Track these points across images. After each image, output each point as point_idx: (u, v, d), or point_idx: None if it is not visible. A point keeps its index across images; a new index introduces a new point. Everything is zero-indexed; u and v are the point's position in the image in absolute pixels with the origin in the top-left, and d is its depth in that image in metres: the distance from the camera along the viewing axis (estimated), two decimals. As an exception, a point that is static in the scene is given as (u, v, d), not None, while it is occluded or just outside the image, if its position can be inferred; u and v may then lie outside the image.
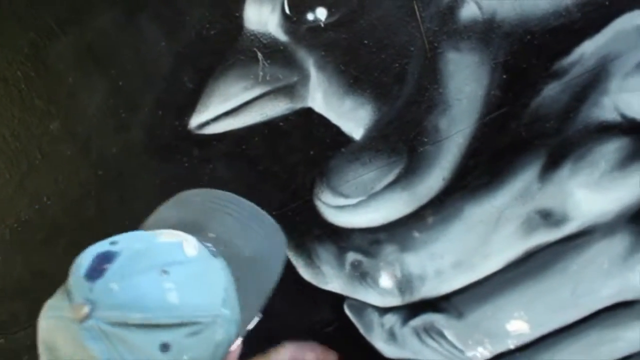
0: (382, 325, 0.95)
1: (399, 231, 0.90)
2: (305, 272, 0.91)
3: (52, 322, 0.44)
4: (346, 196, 0.88)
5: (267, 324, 0.89)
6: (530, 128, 0.84)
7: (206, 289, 0.47)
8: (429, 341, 0.95)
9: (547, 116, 0.84)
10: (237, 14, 0.78)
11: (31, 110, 0.80)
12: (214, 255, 0.49)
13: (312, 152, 0.84)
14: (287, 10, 0.78)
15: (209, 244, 0.50)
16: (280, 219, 0.87)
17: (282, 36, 0.80)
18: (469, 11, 0.79)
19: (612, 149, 0.84)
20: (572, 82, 0.82)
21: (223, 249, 0.51)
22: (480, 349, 0.96)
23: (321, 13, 0.79)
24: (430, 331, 0.95)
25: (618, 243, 0.89)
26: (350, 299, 0.93)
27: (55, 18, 0.76)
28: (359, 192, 0.88)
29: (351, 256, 0.91)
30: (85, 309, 0.42)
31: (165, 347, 0.43)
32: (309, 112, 0.83)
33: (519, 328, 0.95)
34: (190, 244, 0.48)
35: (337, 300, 0.93)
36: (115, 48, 0.78)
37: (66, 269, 0.88)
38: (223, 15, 0.78)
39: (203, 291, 0.46)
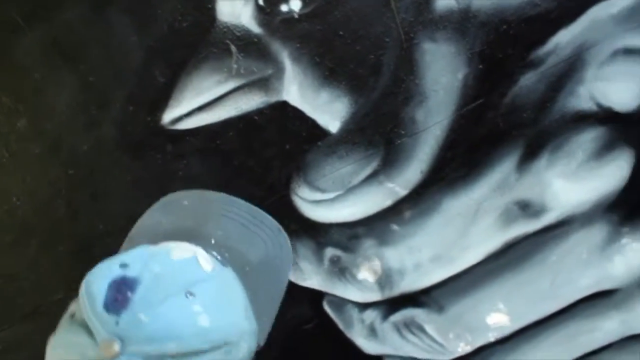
0: (362, 321, 0.95)
1: (377, 225, 0.90)
2: (283, 269, 0.90)
3: None
4: (323, 190, 0.87)
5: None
6: (508, 118, 0.84)
7: (229, 305, 0.45)
8: (410, 336, 0.95)
9: (524, 106, 0.84)
10: (209, 6, 0.76)
11: (-4, 107, 0.78)
12: (223, 264, 0.47)
13: (287, 146, 0.83)
14: (260, 2, 0.77)
15: (214, 252, 0.48)
16: (257, 214, 0.87)
17: (255, 28, 0.79)
18: (444, 1, 0.79)
19: (588, 138, 0.85)
20: (548, 71, 0.82)
21: (228, 257, 0.49)
22: (461, 343, 0.96)
23: (295, 4, 0.78)
24: (411, 326, 0.95)
25: (596, 233, 0.90)
26: (330, 295, 0.93)
27: (21, 12, 0.74)
28: (336, 186, 0.87)
29: (330, 251, 0.91)
30: (116, 346, 0.39)
31: None
32: (284, 105, 0.82)
33: (499, 320, 0.95)
34: (203, 257, 0.46)
35: (316, 296, 0.93)
36: (84, 43, 0.76)
37: (37, 271, 0.86)
38: (195, 7, 0.76)
39: (227, 308, 0.45)
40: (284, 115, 0.81)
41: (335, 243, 0.91)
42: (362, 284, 0.93)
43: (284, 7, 0.76)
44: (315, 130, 0.83)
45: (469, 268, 0.93)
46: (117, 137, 0.80)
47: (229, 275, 0.46)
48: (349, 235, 0.90)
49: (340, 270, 0.92)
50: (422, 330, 0.95)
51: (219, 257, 0.47)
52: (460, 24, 0.79)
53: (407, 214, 0.89)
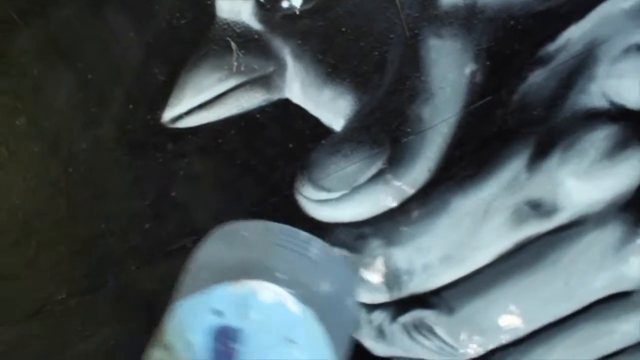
0: (370, 322, 1.00)
1: (384, 225, 0.95)
2: (287, 270, 0.94)
3: None
4: (328, 190, 0.92)
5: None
6: (517, 116, 0.88)
7: (320, 347, 0.48)
8: (419, 338, 1.00)
9: (534, 104, 0.88)
10: (208, 2, 0.81)
11: (-4, 107, 0.83)
12: (300, 302, 0.51)
13: (291, 145, 0.88)
14: (260, -2, 0.81)
15: (290, 290, 0.51)
16: (259, 214, 0.92)
17: (256, 25, 0.83)
18: (450, -4, 0.83)
19: (601, 136, 0.89)
20: (558, 68, 0.86)
21: (298, 292, 0.52)
22: (472, 345, 1.01)
23: (296, 0, 0.82)
24: (420, 327, 0.99)
25: (610, 233, 0.94)
26: (335, 296, 0.97)
27: (17, 9, 0.80)
28: (342, 186, 0.92)
29: (335, 252, 0.95)
30: None
31: None
32: (286, 103, 0.86)
33: (511, 322, 1.00)
34: (287, 298, 0.49)
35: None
36: (82, 40, 0.82)
37: (38, 271, 0.92)
38: (194, 3, 0.81)
39: (322, 351, 0.48)
40: (287, 113, 0.85)
41: (341, 243, 0.96)
42: (370, 284, 0.97)
43: (284, 3, 0.81)
44: (319, 129, 0.87)
45: (479, 269, 0.98)
46: (116, 135, 0.86)
47: (310, 315, 0.49)
48: (355, 235, 0.95)
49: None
50: (432, 331, 0.99)
51: (294, 294, 0.50)
52: (467, 19, 0.83)
53: (415, 213, 0.94)
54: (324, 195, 0.97)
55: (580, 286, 0.98)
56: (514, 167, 0.96)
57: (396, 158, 0.93)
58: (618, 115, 0.88)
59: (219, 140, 0.89)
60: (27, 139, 0.86)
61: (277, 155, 0.91)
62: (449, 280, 1.00)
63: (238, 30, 0.84)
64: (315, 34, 0.85)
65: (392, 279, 0.99)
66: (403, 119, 0.90)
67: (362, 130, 0.91)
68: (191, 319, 0.45)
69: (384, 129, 0.91)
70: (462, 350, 1.02)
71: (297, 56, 0.87)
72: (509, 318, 1.01)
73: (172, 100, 0.88)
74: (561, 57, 0.88)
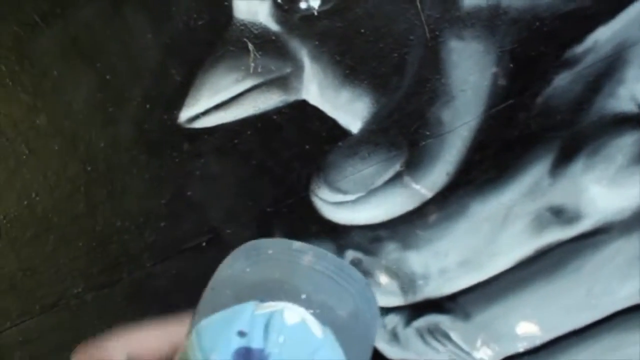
0: (385, 325, 1.05)
1: (400, 228, 0.99)
2: (302, 271, 1.00)
3: None
4: (344, 192, 0.97)
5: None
6: (540, 120, 0.91)
7: None
8: (434, 343, 1.04)
9: (558, 108, 0.91)
10: (226, 3, 0.86)
11: (17, 105, 0.91)
12: (323, 323, 0.51)
13: (307, 147, 0.93)
14: (278, -1, 0.86)
15: (311, 311, 0.52)
16: (275, 215, 0.98)
17: (273, 26, 0.88)
18: (472, -3, 0.86)
19: (629, 142, 0.91)
20: (585, 71, 0.89)
21: (319, 313, 0.52)
22: (488, 352, 1.05)
23: (314, 1, 0.87)
24: (435, 332, 1.04)
25: (636, 242, 0.96)
26: (350, 298, 1.02)
27: (38, 11, 0.86)
28: (358, 188, 0.96)
29: (351, 254, 1.01)
30: None
31: None
32: (303, 104, 0.91)
33: (529, 330, 1.03)
34: (311, 322, 0.50)
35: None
36: (101, 41, 0.88)
37: (56, 265, 0.99)
38: (211, 4, 0.86)
39: None
40: (304, 114, 0.90)
41: (356, 245, 1.00)
42: (384, 287, 1.02)
43: (302, 4, 0.85)
44: (335, 131, 0.92)
45: (497, 275, 1.01)
46: (134, 135, 0.92)
47: (332, 337, 0.50)
48: (371, 238, 0.99)
49: (362, 273, 1.01)
50: (447, 337, 1.04)
51: (316, 316, 0.51)
52: (490, 21, 0.86)
53: (433, 217, 0.98)
54: (340, 197, 1.02)
55: (603, 295, 1.02)
56: (536, 172, 0.99)
57: (414, 161, 0.98)
58: (647, 121, 0.90)
59: (235, 141, 0.95)
60: (47, 137, 0.93)
61: (293, 157, 0.96)
62: (466, 285, 1.04)
63: (255, 32, 0.89)
64: (334, 35, 0.89)
65: (407, 282, 1.04)
66: (422, 122, 0.94)
67: (380, 133, 0.95)
68: (215, 339, 0.47)
69: (402, 132, 0.95)
70: (477, 357, 1.06)
71: (314, 57, 0.92)
72: (527, 326, 1.05)
73: (189, 100, 0.94)
74: (588, 60, 0.90)
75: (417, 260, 1.02)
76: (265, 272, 0.57)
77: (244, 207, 0.97)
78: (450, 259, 1.01)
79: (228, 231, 0.97)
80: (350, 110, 0.93)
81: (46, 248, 1.00)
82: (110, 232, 1.00)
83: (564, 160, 0.95)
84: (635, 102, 0.90)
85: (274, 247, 0.60)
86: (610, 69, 0.90)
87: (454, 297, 1.03)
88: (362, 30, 0.88)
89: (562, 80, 0.90)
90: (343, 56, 0.90)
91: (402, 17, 0.88)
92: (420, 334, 1.05)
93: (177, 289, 0.98)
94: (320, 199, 0.99)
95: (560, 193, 0.96)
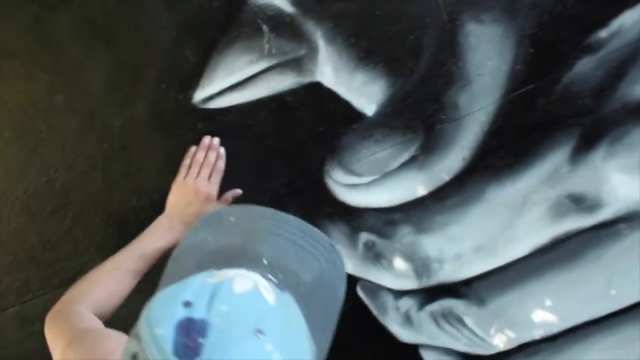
0: (397, 308, 1.12)
1: (415, 212, 1.06)
2: (315, 252, 1.08)
3: None
4: (359, 174, 1.04)
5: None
6: (561, 106, 0.96)
7: (296, 336, 0.52)
8: (447, 327, 1.11)
9: (580, 93, 0.96)
10: (240, -15, 0.92)
11: (36, 84, 1.00)
12: (281, 288, 0.53)
13: (321, 129, 1.00)
14: (293, -20, 0.92)
15: (270, 276, 0.54)
16: (288, 196, 1.06)
17: (288, 7, 0.94)
18: (492, -21, 0.90)
19: (653, 130, 0.95)
20: (609, 56, 0.93)
21: (282, 278, 0.55)
22: (503, 338, 1.12)
23: (329, -18, 0.92)
24: (449, 317, 1.11)
25: (658, 232, 1.01)
26: (364, 280, 1.10)
27: (57, -9, 0.94)
28: (372, 171, 1.03)
29: (364, 236, 1.08)
30: None
31: None
32: (317, 86, 0.98)
33: (546, 318, 1.10)
34: (263, 287, 0.52)
35: (350, 280, 1.10)
36: (117, 21, 0.96)
37: (74, 239, 1.09)
38: (226, -14, 0.92)
39: (295, 340, 0.51)
40: (318, 96, 0.97)
41: (370, 228, 1.07)
42: (398, 271, 1.09)
43: (318, -14, 0.91)
44: (350, 113, 0.99)
45: (514, 261, 1.08)
46: (149, 114, 1.01)
47: (289, 303, 0.53)
48: (385, 220, 1.06)
49: (375, 256, 1.09)
50: (461, 322, 1.11)
51: (275, 281, 0.55)
52: (510, 4, 0.91)
53: (448, 202, 1.04)
54: (354, 179, 1.08)
55: (623, 285, 1.07)
56: (556, 158, 1.04)
57: (430, 145, 1.04)
58: (673, 108, 0.94)
59: (249, 122, 1.02)
60: (65, 115, 1.02)
61: (307, 138, 1.03)
62: (481, 271, 1.11)
63: (270, 13, 0.95)
64: (349, 17, 0.95)
65: (422, 266, 1.11)
66: (438, 106, 0.99)
67: (395, 116, 1.01)
68: (161, 311, 0.49)
69: (418, 115, 1.01)
70: (492, 343, 1.13)
71: (329, 39, 0.97)
72: (544, 313, 1.11)
73: (203, 81, 1.01)
74: (613, 45, 0.94)
75: (431, 244, 1.08)
76: (227, 239, 0.60)
77: (257, 188, 1.05)
78: (466, 243, 1.08)
79: (241, 211, 1.05)
80: (365, 93, 0.99)
81: (64, 223, 1.10)
82: (126, 208, 1.09)
83: (584, 147, 0.99)
84: (661, 89, 0.94)
85: (236, 215, 0.64)
86: (635, 54, 0.93)
87: (468, 282, 1.10)
88: (378, 13, 0.94)
89: (584, 66, 0.95)
90: (358, 38, 0.95)
91: (419, -1, 0.93)
92: (434, 318, 1.13)
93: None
94: (334, 180, 1.06)
95: (580, 181, 1.01)
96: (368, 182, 1.06)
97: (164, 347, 0.46)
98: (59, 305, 0.87)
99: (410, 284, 1.12)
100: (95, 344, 0.65)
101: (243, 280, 0.52)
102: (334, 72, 0.99)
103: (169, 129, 1.03)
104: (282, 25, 0.96)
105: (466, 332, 1.13)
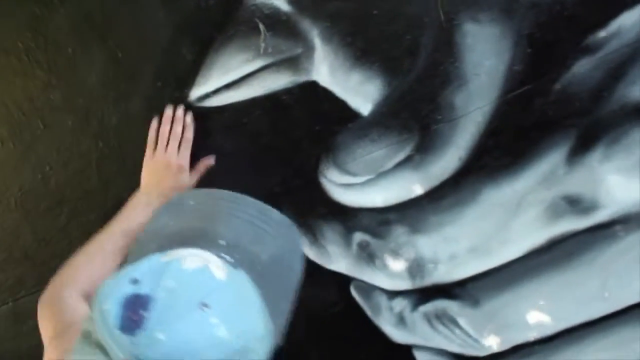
0: (391, 308, 1.11)
1: (410, 212, 1.04)
2: (310, 251, 1.07)
3: None
4: (353, 174, 1.02)
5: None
6: (558, 107, 0.95)
7: (246, 311, 0.52)
8: (441, 328, 1.10)
9: (577, 94, 0.94)
10: (237, -17, 0.90)
11: (33, 81, 0.98)
12: (235, 267, 0.54)
13: (317, 127, 0.98)
14: (289, -21, 0.90)
15: (225, 256, 0.55)
16: (282, 195, 1.04)
17: (285, 6, 0.92)
18: (489, -21, 0.88)
19: (651, 132, 0.93)
20: (608, 57, 0.91)
21: (239, 257, 0.56)
22: (497, 339, 1.10)
23: (326, -19, 0.90)
24: (443, 318, 1.09)
25: (656, 235, 0.99)
26: (357, 280, 1.08)
27: (54, -12, 0.92)
28: (367, 170, 1.02)
29: (358, 236, 1.06)
30: None
31: None
32: (313, 85, 0.96)
33: (540, 320, 1.08)
34: (214, 264, 0.53)
35: (343, 280, 1.09)
36: (114, 19, 0.94)
37: (69, 237, 1.07)
38: (222, -17, 0.90)
39: (244, 315, 0.52)
40: (314, 95, 0.96)
41: (364, 228, 1.06)
42: (392, 271, 1.07)
43: (315, -16, 0.89)
44: (346, 112, 0.97)
45: (509, 262, 1.06)
46: (145, 111, 0.99)
47: (242, 279, 0.54)
48: (379, 220, 1.05)
49: (369, 256, 1.07)
50: (455, 323, 1.09)
51: (230, 260, 0.55)
52: (508, 4, 0.89)
53: (444, 202, 1.02)
54: (349, 179, 1.06)
55: (618, 287, 1.05)
56: (552, 159, 1.02)
57: (425, 145, 1.02)
58: (671, 110, 0.92)
59: (245, 120, 1.00)
60: (61, 112, 1.00)
61: (302, 137, 1.01)
62: (476, 272, 1.09)
63: (266, 12, 0.93)
64: (345, 16, 0.93)
65: (416, 266, 1.09)
66: (434, 106, 0.97)
67: (391, 116, 0.99)
68: (110, 288, 0.50)
69: (414, 115, 0.99)
70: (485, 344, 1.11)
71: (325, 38, 0.96)
72: (538, 315, 1.09)
73: (199, 79, 0.99)
74: (611, 46, 0.92)
75: (426, 244, 1.06)
76: (187, 222, 0.61)
77: (252, 186, 1.01)
78: (461, 244, 1.06)
79: (236, 210, 1.03)
80: (361, 92, 0.98)
81: (59, 221, 1.09)
82: (120, 206, 1.07)
83: (581, 148, 0.97)
84: (659, 90, 0.92)
85: (196, 198, 0.65)
86: (634, 55, 0.92)
87: (463, 283, 1.08)
88: (375, 12, 0.92)
89: (582, 67, 0.93)
90: (354, 37, 0.94)
91: (416, -2, 0.91)
92: (428, 318, 1.11)
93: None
94: (329, 180, 1.04)
95: (576, 182, 0.99)
96: (363, 181, 1.04)
97: (109, 321, 0.48)
98: (50, 290, 0.88)
99: (404, 284, 1.10)
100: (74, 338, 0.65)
101: (193, 259, 0.53)
102: (330, 71, 0.97)
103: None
104: (278, 24, 0.94)
105: (460, 333, 1.11)
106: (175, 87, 0.99)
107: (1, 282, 1.12)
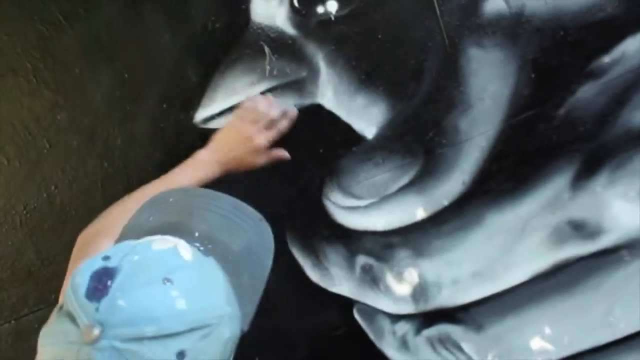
0: (394, 332, 1.09)
1: (413, 236, 1.02)
2: (312, 273, 1.05)
3: (59, 348, 0.51)
4: (357, 197, 1.01)
5: (272, 323, 1.04)
6: (562, 132, 0.93)
7: (209, 290, 0.55)
8: (444, 352, 1.08)
9: (582, 119, 0.93)
10: (243, 7, 0.91)
11: (40, 101, 0.98)
12: (205, 254, 0.58)
13: (321, 150, 0.97)
14: (295, 3, 0.90)
15: (197, 244, 0.59)
16: (286, 217, 1.02)
17: (290, 30, 0.92)
18: (494, 4, 0.89)
19: (656, 158, 0.92)
20: (612, 83, 0.90)
21: (211, 247, 0.60)
22: (501, 365, 1.07)
23: (331, 5, 0.90)
24: (446, 342, 1.07)
25: (660, 261, 0.97)
26: (360, 303, 1.06)
27: (62, 10, 0.93)
28: (371, 194, 1.00)
29: (362, 259, 1.05)
30: (96, 331, 0.49)
31: (181, 355, 0.50)
32: (318, 108, 0.96)
33: (544, 346, 1.06)
34: (184, 248, 0.56)
35: (346, 303, 1.07)
36: (121, 41, 0.94)
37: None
38: (229, 7, 0.91)
39: (206, 293, 0.55)
40: (319, 118, 0.95)
41: (367, 251, 1.04)
42: (395, 294, 1.05)
43: (319, 9, 0.89)
44: (350, 135, 0.96)
45: (513, 287, 1.04)
46: (150, 133, 0.98)
47: (209, 264, 0.58)
48: (383, 244, 1.03)
49: (373, 280, 1.06)
50: (458, 347, 1.07)
51: (201, 248, 0.59)
52: (512, 29, 0.88)
53: (447, 226, 1.01)
54: (352, 202, 1.05)
55: (623, 315, 1.03)
56: (557, 184, 1.00)
57: (429, 169, 1.00)
58: (676, 136, 0.91)
59: (249, 142, 0.99)
60: (67, 132, 1.00)
61: (307, 160, 1.00)
62: (479, 296, 1.07)
63: (272, 35, 0.93)
64: (350, 40, 0.93)
65: (419, 290, 1.07)
66: (438, 130, 0.96)
67: (395, 139, 0.98)
68: (84, 265, 0.54)
69: (418, 139, 0.98)
70: (489, 369, 1.09)
71: (330, 62, 0.95)
72: (542, 341, 1.07)
73: (204, 101, 0.99)
74: (615, 71, 0.91)
75: (429, 268, 1.05)
76: (165, 217, 0.64)
77: (255, 208, 1.01)
78: (464, 268, 1.04)
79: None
80: (365, 116, 0.97)
81: (63, 240, 1.08)
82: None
83: (586, 173, 0.96)
84: (663, 116, 0.91)
85: (174, 196, 0.68)
86: (638, 81, 0.91)
87: (466, 308, 1.06)
88: (379, 36, 0.92)
89: (587, 92, 0.92)
90: (359, 61, 0.93)
91: (420, 23, 0.91)
92: (431, 343, 1.09)
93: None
94: (333, 203, 1.03)
95: (581, 207, 0.98)
96: (367, 205, 1.03)
97: (79, 291, 0.51)
98: (85, 235, 0.87)
99: (408, 308, 1.08)
100: None
101: (163, 242, 0.56)
102: (334, 94, 0.96)
103: (169, 148, 1.01)
104: (283, 47, 0.94)
105: (463, 358, 1.09)
106: (180, 109, 0.98)
107: (4, 300, 1.10)
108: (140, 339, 0.49)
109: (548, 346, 1.06)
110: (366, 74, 0.94)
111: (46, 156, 1.02)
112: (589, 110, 0.93)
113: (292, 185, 1.02)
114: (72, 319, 0.51)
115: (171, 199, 0.67)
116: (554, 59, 0.91)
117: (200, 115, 0.99)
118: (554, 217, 0.99)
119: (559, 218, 0.99)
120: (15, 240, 1.07)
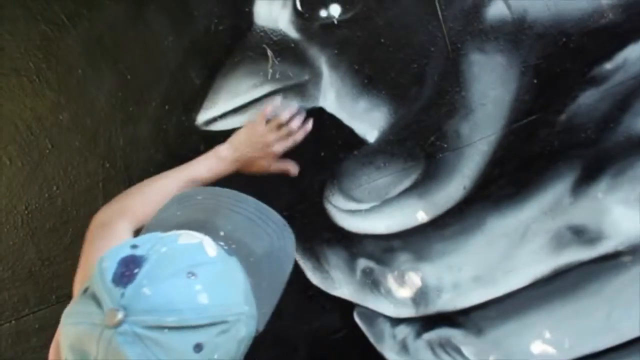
0: (394, 336, 1.09)
1: (414, 240, 1.03)
2: (313, 276, 1.05)
3: (82, 328, 0.52)
4: (358, 201, 1.01)
5: (274, 327, 1.04)
6: (563, 137, 0.93)
7: (230, 287, 0.56)
8: (445, 356, 1.08)
9: (583, 125, 0.93)
10: (246, 10, 0.91)
11: (42, 101, 0.98)
12: (229, 253, 0.59)
13: (323, 154, 0.97)
14: (298, 7, 0.90)
15: (222, 243, 0.60)
16: (288, 220, 1.02)
17: (293, 33, 0.92)
18: (496, 10, 0.89)
19: (657, 164, 0.92)
20: (613, 89, 0.90)
21: (235, 248, 0.60)
22: (501, 369, 1.07)
23: (335, 10, 0.90)
24: (446, 346, 1.07)
25: (661, 267, 0.97)
26: (361, 306, 1.07)
27: (66, 11, 0.93)
28: (372, 197, 1.00)
29: (362, 263, 1.05)
30: (120, 315, 0.50)
31: (198, 347, 0.52)
32: (320, 112, 0.96)
33: (544, 350, 1.06)
34: (209, 245, 0.58)
35: (347, 306, 1.07)
36: (124, 42, 0.94)
37: (73, 256, 1.06)
38: (232, 10, 0.91)
39: (228, 290, 0.56)
40: (320, 122, 0.95)
41: (368, 254, 1.04)
42: (396, 298, 1.06)
43: (323, 13, 0.89)
44: (352, 139, 0.96)
45: (513, 292, 1.05)
46: (152, 134, 0.99)
47: (232, 263, 0.59)
48: (384, 247, 1.03)
49: (373, 283, 1.06)
50: (458, 351, 1.07)
51: (225, 247, 0.60)
52: (514, 35, 0.88)
53: (448, 230, 1.01)
54: (353, 205, 1.05)
55: (624, 319, 1.03)
56: (557, 190, 1.01)
57: (430, 173, 1.01)
58: (677, 143, 0.91)
59: (251, 145, 1.00)
60: (69, 133, 1.00)
61: (308, 163, 1.00)
62: (480, 300, 1.07)
63: (275, 38, 0.93)
64: (353, 44, 0.93)
65: (420, 294, 1.07)
66: (440, 134, 0.97)
67: (397, 143, 0.99)
68: (113, 251, 0.55)
69: (420, 143, 0.98)
70: (489, 374, 1.09)
71: (333, 66, 0.95)
72: (542, 345, 1.07)
73: (207, 103, 0.99)
74: (617, 78, 0.92)
75: (430, 272, 1.05)
76: (192, 214, 0.65)
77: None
78: (465, 273, 1.04)
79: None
80: (367, 120, 0.97)
81: (64, 240, 1.08)
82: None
83: (587, 179, 0.96)
84: (665, 123, 0.91)
85: (202, 194, 0.70)
86: None
87: (467, 312, 1.07)
88: (382, 40, 0.92)
89: (588, 98, 0.92)
90: (362, 65, 0.93)
91: (423, 28, 0.91)
92: (431, 346, 1.09)
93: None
94: (334, 206, 1.03)
95: (581, 212, 0.98)
96: (368, 208, 1.03)
97: (106, 276, 0.52)
98: (103, 215, 0.87)
99: (408, 311, 1.08)
100: None
101: (189, 236, 0.58)
102: (336, 98, 0.96)
103: (171, 149, 1.01)
104: (286, 50, 0.94)
105: (463, 362, 1.10)
106: (182, 111, 0.98)
107: (4, 300, 1.10)
108: (161, 328, 0.50)
109: (548, 350, 1.06)
110: (368, 78, 0.94)
111: (48, 156, 1.02)
112: (590, 116, 0.93)
113: (293, 187, 1.02)
114: (97, 301, 0.52)
115: (199, 197, 0.69)
116: (555, 65, 0.91)
117: (202, 117, 0.99)
118: (555, 222, 0.99)
119: (559, 223, 0.99)
120: (17, 240, 1.07)
